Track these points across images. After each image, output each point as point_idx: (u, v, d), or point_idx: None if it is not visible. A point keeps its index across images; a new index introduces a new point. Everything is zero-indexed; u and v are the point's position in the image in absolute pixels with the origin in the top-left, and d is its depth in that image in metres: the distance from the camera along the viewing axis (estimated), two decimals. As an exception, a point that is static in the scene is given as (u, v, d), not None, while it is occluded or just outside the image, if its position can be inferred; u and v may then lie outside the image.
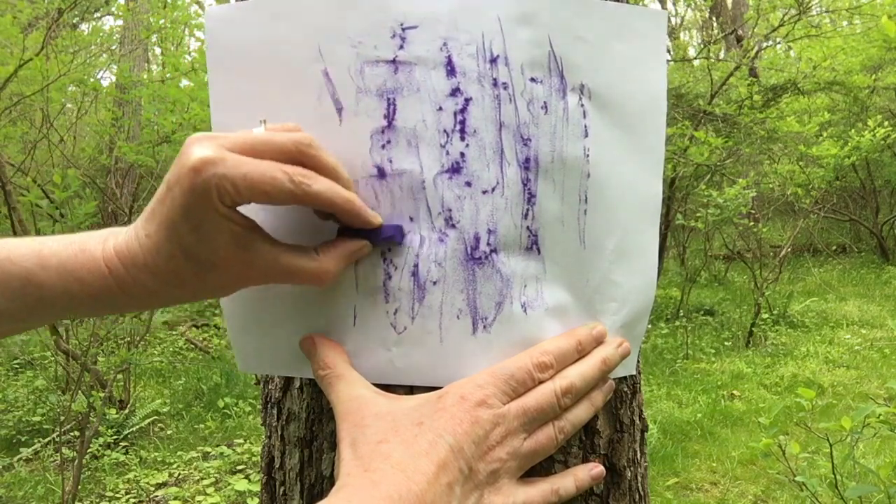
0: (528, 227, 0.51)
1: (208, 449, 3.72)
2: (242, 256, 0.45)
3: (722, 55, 8.93)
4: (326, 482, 0.53)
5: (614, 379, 0.54)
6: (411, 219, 0.50)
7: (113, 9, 8.61)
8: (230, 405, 4.24)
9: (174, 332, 6.16)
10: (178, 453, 3.69)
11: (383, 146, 0.50)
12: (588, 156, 0.52)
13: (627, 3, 0.55)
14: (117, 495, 3.22)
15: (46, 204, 4.71)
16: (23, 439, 3.82)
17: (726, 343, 5.65)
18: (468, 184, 0.50)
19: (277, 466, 0.58)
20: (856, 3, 7.62)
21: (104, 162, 5.75)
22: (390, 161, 0.50)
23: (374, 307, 0.51)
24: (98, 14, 9.13)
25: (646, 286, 0.55)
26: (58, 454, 3.46)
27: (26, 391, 4.49)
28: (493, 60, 0.50)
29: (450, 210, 0.50)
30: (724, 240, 8.20)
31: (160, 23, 6.28)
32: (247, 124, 0.53)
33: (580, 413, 0.50)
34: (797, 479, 2.07)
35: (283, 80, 0.52)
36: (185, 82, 5.40)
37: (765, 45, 7.53)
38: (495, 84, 0.50)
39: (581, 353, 0.51)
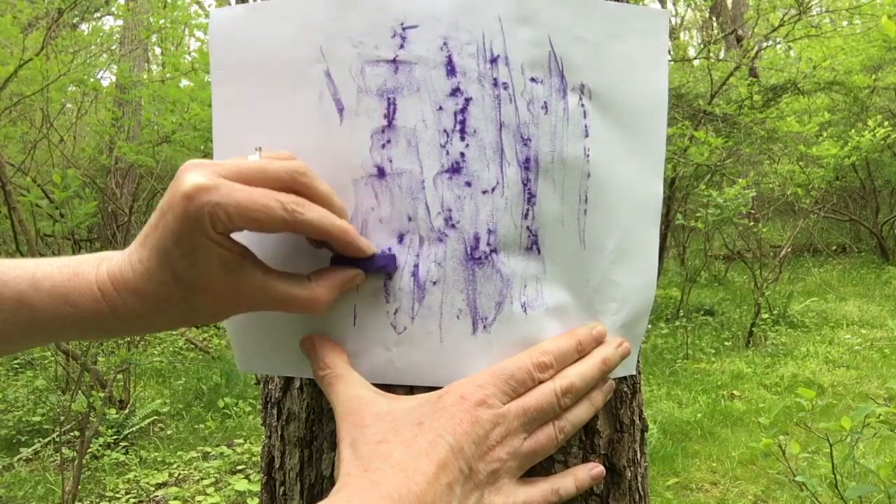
0: (528, 227, 0.51)
1: (208, 449, 3.72)
2: (234, 283, 0.46)
3: (722, 55, 8.93)
4: (326, 482, 0.53)
5: (615, 379, 0.54)
6: (410, 218, 0.50)
7: (113, 9, 8.61)
8: (230, 405, 4.24)
9: (174, 333, 6.15)
10: (178, 453, 3.69)
11: (383, 146, 0.50)
12: (588, 156, 0.52)
13: (628, 3, 0.55)
14: (117, 495, 3.22)
15: (46, 204, 4.71)
16: (23, 439, 3.82)
17: (726, 343, 5.65)
18: (468, 184, 0.50)
19: (277, 466, 0.58)
20: (856, 3, 7.62)
21: (104, 162, 5.76)
22: (390, 161, 0.50)
23: (374, 307, 0.51)
24: (98, 14, 9.13)
25: (646, 286, 0.55)
26: (58, 454, 3.46)
27: (26, 391, 4.49)
28: (494, 60, 0.50)
29: (449, 210, 0.50)
30: (724, 240, 8.20)
31: (160, 23, 6.28)
32: (248, 125, 0.53)
33: (580, 413, 0.50)
34: (797, 479, 2.07)
35: (285, 80, 0.52)
36: (185, 82, 5.40)
37: (765, 45, 7.53)
38: (495, 84, 0.50)
39: (581, 353, 0.51)
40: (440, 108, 0.50)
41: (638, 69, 0.54)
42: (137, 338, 4.55)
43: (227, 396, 4.35)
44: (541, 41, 0.50)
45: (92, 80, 5.87)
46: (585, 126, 0.52)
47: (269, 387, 0.60)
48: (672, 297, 7.05)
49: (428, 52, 0.50)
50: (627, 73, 0.53)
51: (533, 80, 0.50)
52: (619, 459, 0.54)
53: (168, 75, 5.67)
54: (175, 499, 3.15)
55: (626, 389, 0.56)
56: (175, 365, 5.26)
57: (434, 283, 0.50)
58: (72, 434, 3.79)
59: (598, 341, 0.52)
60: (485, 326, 0.50)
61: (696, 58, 8.57)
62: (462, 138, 0.50)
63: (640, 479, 0.57)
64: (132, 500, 3.18)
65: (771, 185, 7.26)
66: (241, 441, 3.81)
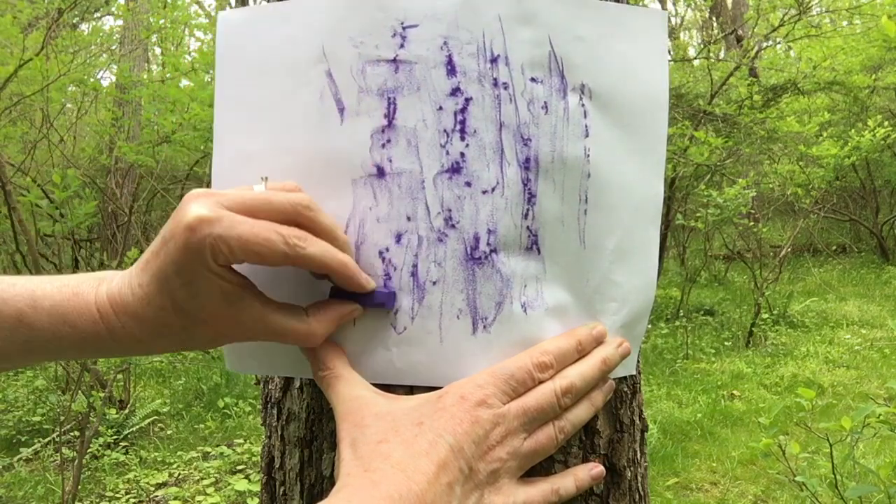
0: (528, 227, 0.51)
1: (208, 449, 3.72)
2: (232, 314, 0.46)
3: (722, 55, 8.93)
4: (326, 482, 0.53)
5: (615, 379, 0.54)
6: (409, 218, 0.50)
7: (113, 9, 8.61)
8: (230, 405, 4.24)
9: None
10: (178, 453, 3.69)
11: (383, 145, 0.50)
12: (588, 156, 0.52)
13: (628, 3, 0.55)
14: (117, 495, 3.22)
15: (46, 204, 4.71)
16: (23, 439, 3.82)
17: (726, 343, 5.65)
18: (468, 184, 0.50)
19: (277, 466, 0.58)
20: (856, 3, 7.63)
21: (104, 162, 5.75)
22: (390, 160, 0.50)
23: (374, 308, 0.50)
24: (98, 14, 9.13)
25: (646, 286, 0.55)
26: (58, 454, 3.46)
27: (26, 391, 4.49)
28: (494, 60, 0.50)
29: (449, 210, 0.50)
30: (724, 240, 8.20)
31: (160, 23, 6.28)
32: (249, 125, 0.53)
33: (580, 413, 0.50)
34: (797, 479, 2.07)
35: (286, 80, 0.52)
36: (185, 82, 5.41)
37: (765, 45, 7.53)
38: (496, 84, 0.50)
39: (581, 353, 0.51)
40: (440, 108, 0.50)
41: (638, 69, 0.54)
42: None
43: (227, 396, 4.35)
44: (541, 41, 0.51)
45: (92, 80, 5.87)
46: (586, 126, 0.52)
47: (269, 387, 0.60)
48: (672, 297, 7.05)
49: (428, 52, 0.50)
50: (628, 73, 0.53)
51: (533, 79, 0.50)
52: (619, 459, 0.54)
53: (168, 75, 5.67)
54: (175, 499, 3.15)
55: (626, 389, 0.56)
56: (175, 365, 5.26)
57: (434, 283, 0.50)
58: (72, 434, 3.79)
59: (598, 341, 0.52)
60: (485, 326, 0.50)
61: (696, 58, 8.57)
62: (462, 138, 0.50)
63: (640, 479, 0.57)
64: (132, 500, 3.18)
65: (771, 185, 7.27)
66: (241, 441, 3.81)
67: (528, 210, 0.50)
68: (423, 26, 0.50)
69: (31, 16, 5.37)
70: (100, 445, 3.69)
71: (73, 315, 0.46)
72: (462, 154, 0.50)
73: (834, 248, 9.85)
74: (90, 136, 7.20)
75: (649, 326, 5.84)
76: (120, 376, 4.06)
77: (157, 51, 9.07)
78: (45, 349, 0.47)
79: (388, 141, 0.50)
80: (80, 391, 3.36)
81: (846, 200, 9.98)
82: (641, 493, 0.57)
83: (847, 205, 9.97)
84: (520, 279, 0.51)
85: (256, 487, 3.17)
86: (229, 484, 3.26)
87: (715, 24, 10.38)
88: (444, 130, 0.50)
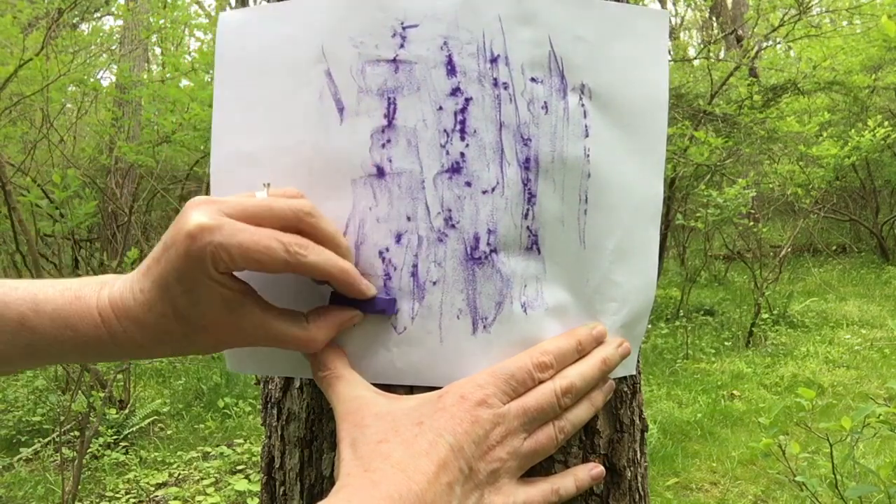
0: (528, 227, 0.51)
1: (208, 449, 3.72)
2: (233, 321, 0.46)
3: (722, 55, 8.93)
4: (326, 482, 0.53)
5: (615, 379, 0.54)
6: (409, 218, 0.50)
7: (113, 9, 8.61)
8: (230, 405, 4.23)
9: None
10: (178, 453, 3.69)
11: (383, 145, 0.50)
12: (588, 156, 0.52)
13: (628, 3, 0.55)
14: (117, 495, 3.22)
15: (46, 204, 4.71)
16: (23, 439, 3.82)
17: (726, 343, 5.65)
18: (468, 184, 0.50)
19: (277, 466, 0.58)
20: (856, 3, 7.63)
21: (104, 162, 5.76)
22: (390, 160, 0.50)
23: (374, 307, 0.50)
24: (98, 14, 9.13)
25: (646, 286, 0.55)
26: (58, 454, 3.46)
27: (26, 391, 4.49)
28: (494, 60, 0.50)
29: (449, 210, 0.50)
30: (724, 240, 8.20)
31: (160, 23, 6.28)
32: (249, 125, 0.53)
33: (580, 413, 0.50)
34: (797, 479, 2.07)
35: (286, 80, 0.52)
36: (185, 82, 5.41)
37: (765, 45, 7.53)
38: (496, 84, 0.50)
39: (581, 353, 0.51)
40: (440, 108, 0.50)
41: (638, 69, 0.54)
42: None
43: (227, 396, 4.35)
44: (541, 41, 0.50)
45: (92, 80, 5.87)
46: (586, 126, 0.52)
47: (269, 387, 0.60)
48: (672, 297, 7.05)
49: (428, 52, 0.50)
50: (628, 73, 0.53)
51: (533, 79, 0.50)
52: (619, 459, 0.54)
53: (168, 75, 5.67)
54: (175, 499, 3.15)
55: (626, 389, 0.56)
56: (175, 365, 5.26)
57: (434, 283, 0.50)
58: (72, 434, 3.79)
59: (598, 341, 0.52)
60: (485, 326, 0.50)
61: (696, 58, 8.57)
62: (462, 138, 0.50)
63: (640, 479, 0.57)
64: (132, 500, 3.18)
65: (771, 185, 7.26)
66: (241, 441, 3.81)
67: (528, 210, 0.50)
68: (423, 26, 0.50)
69: (31, 16, 5.37)
70: (100, 445, 3.68)
71: (74, 319, 0.46)
72: (462, 154, 0.50)
73: (834, 248, 9.85)
74: (90, 136, 7.20)
75: (649, 326, 5.84)
76: (120, 376, 4.06)
77: (157, 51, 9.07)
78: (46, 352, 0.47)
79: (388, 141, 0.50)
80: (80, 391, 3.36)
81: (846, 200, 9.98)
82: (641, 493, 0.57)
83: (847, 205, 9.97)
84: (520, 279, 0.51)
85: (256, 487, 3.17)
86: (229, 484, 3.26)
87: (715, 24, 10.38)
88: (444, 130, 0.50)
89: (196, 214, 0.43)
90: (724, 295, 7.48)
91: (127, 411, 4.02)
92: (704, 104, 6.22)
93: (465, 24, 0.49)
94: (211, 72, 5.16)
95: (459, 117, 0.50)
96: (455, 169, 0.50)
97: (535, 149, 0.50)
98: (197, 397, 4.50)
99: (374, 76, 0.50)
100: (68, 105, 6.70)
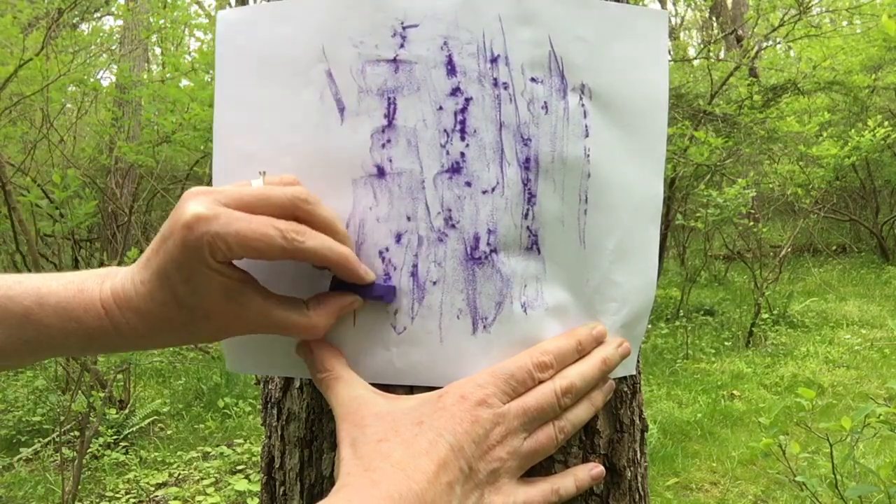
0: (528, 227, 0.51)
1: (208, 449, 3.72)
2: (233, 309, 0.46)
3: (722, 55, 8.93)
4: (326, 482, 0.53)
5: (615, 379, 0.54)
6: (409, 218, 0.50)
7: (113, 9, 8.61)
8: (230, 405, 4.23)
9: (174, 332, 6.14)
10: (178, 453, 3.69)
11: (383, 145, 0.50)
12: (588, 156, 0.52)
13: (628, 3, 0.55)
14: (117, 495, 3.22)
15: (46, 204, 4.71)
16: (23, 439, 3.82)
17: (726, 343, 5.65)
18: (468, 184, 0.50)
19: (277, 466, 0.58)
20: (856, 3, 7.62)
21: (104, 162, 5.75)
22: (390, 160, 0.50)
23: (374, 307, 0.51)
24: (98, 14, 9.13)
25: (646, 286, 0.55)
26: (58, 454, 3.46)
27: (26, 391, 4.49)
28: (494, 60, 0.50)
29: (449, 210, 0.50)
30: (724, 240, 8.20)
31: (160, 23, 6.28)
32: (249, 125, 0.53)
33: (580, 413, 0.50)
34: (797, 479, 2.07)
35: (286, 80, 0.52)
36: (185, 82, 5.40)
37: (765, 45, 7.53)
38: (496, 84, 0.50)
39: (581, 353, 0.51)
40: (440, 108, 0.50)
41: (638, 69, 0.54)
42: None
43: (227, 396, 4.35)
44: (541, 41, 0.51)
45: (92, 80, 5.87)
46: (586, 126, 0.52)
47: (269, 387, 0.60)
48: (672, 297, 7.05)
49: (428, 52, 0.50)
50: (628, 73, 0.53)
51: (533, 79, 0.50)
52: (619, 459, 0.54)
53: (168, 75, 5.67)
54: (175, 499, 3.15)
55: (626, 389, 0.56)
56: (175, 365, 5.26)
57: (434, 283, 0.50)
58: (72, 434, 3.79)
59: (598, 341, 0.52)
60: (485, 326, 0.50)
61: (696, 58, 8.57)
62: (462, 138, 0.50)
63: (640, 479, 0.57)
64: (132, 500, 3.18)
65: (771, 185, 7.26)
66: (241, 441, 3.81)
67: (528, 210, 0.50)
68: (423, 26, 0.50)
69: (31, 16, 5.37)
70: (100, 445, 3.68)
71: (78, 311, 0.46)
72: (462, 154, 0.50)
73: (834, 248, 9.85)
74: (90, 136, 7.19)
75: (649, 326, 5.84)
76: (120, 376, 4.06)
77: (157, 51, 9.07)
78: (50, 345, 0.47)
79: (388, 141, 0.50)
80: (80, 391, 3.36)
81: (846, 200, 9.98)
82: (641, 493, 0.57)
83: (847, 205, 9.97)
84: (520, 279, 0.51)
85: (256, 487, 3.17)
86: (229, 484, 3.26)
87: (715, 24, 10.38)
88: (445, 130, 0.50)
89: (193, 205, 0.43)
90: (724, 295, 7.48)
91: (127, 411, 4.02)
92: (704, 104, 6.22)
93: (465, 23, 0.49)
94: (211, 72, 5.16)
95: (459, 117, 0.50)
96: (455, 169, 0.50)
97: (535, 149, 0.50)
98: (197, 397, 4.50)
99: (375, 76, 0.50)
100: (68, 105, 6.70)
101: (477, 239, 0.50)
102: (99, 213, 5.90)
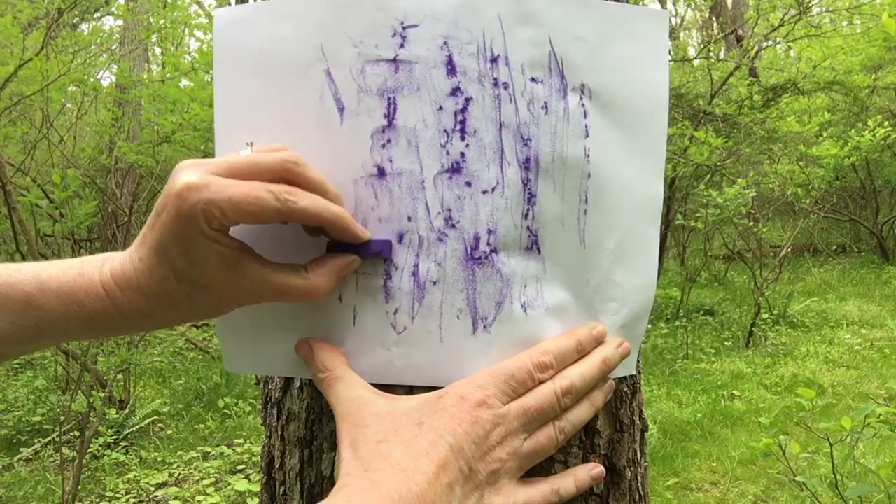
0: (528, 227, 0.51)
1: (208, 449, 3.72)
2: (233, 277, 0.46)
3: (722, 55, 8.93)
4: (326, 482, 0.53)
5: (615, 379, 0.54)
6: (410, 218, 0.50)
7: (113, 9, 8.61)
8: (230, 405, 4.23)
9: (174, 332, 6.16)
10: (178, 453, 3.69)
11: (383, 145, 0.50)
12: (589, 156, 0.52)
13: (628, 3, 0.55)
14: (117, 495, 3.22)
15: (46, 204, 4.71)
16: (23, 439, 3.82)
17: (726, 343, 5.65)
18: (468, 184, 0.50)
19: (277, 466, 0.58)
20: (856, 3, 7.62)
21: (104, 162, 5.75)
22: (390, 160, 0.50)
23: (374, 307, 0.50)
24: (98, 14, 9.13)
25: (646, 286, 0.55)
26: (58, 454, 3.46)
27: (26, 391, 4.49)
28: (494, 60, 0.50)
29: (449, 210, 0.50)
30: (724, 240, 8.19)
31: (160, 23, 6.28)
32: (250, 125, 0.53)
33: (580, 413, 0.50)
34: (797, 479, 2.07)
35: (286, 80, 0.52)
36: (185, 82, 5.40)
37: (765, 45, 7.53)
38: (496, 84, 0.50)
39: (581, 353, 0.51)
40: (440, 108, 0.50)
41: (638, 69, 0.54)
42: (137, 338, 4.55)
43: (227, 396, 4.35)
44: (541, 41, 0.50)
45: (92, 80, 5.87)
46: (586, 126, 0.52)
47: (269, 387, 0.60)
48: (672, 297, 7.05)
49: (428, 52, 0.50)
50: (628, 73, 0.53)
51: (533, 79, 0.50)
52: (619, 459, 0.54)
53: (168, 75, 5.67)
54: (175, 499, 3.15)
55: (626, 389, 0.56)
56: (175, 365, 5.26)
57: (434, 282, 0.50)
58: (72, 434, 3.79)
59: (598, 341, 0.52)
60: (485, 326, 0.50)
61: (696, 58, 8.57)
62: (462, 138, 0.50)
63: (640, 479, 0.57)
64: (132, 500, 3.18)
65: (771, 185, 7.26)
66: (241, 441, 3.81)
67: (528, 210, 0.50)
68: (423, 26, 0.50)
69: (31, 16, 5.37)
70: (100, 445, 3.68)
71: (80, 294, 0.46)
72: (462, 154, 0.50)
73: (834, 248, 9.85)
74: (90, 136, 7.19)
75: (649, 326, 5.84)
76: (120, 376, 4.06)
77: (157, 51, 9.07)
78: (52, 330, 0.47)
79: (389, 141, 0.50)
80: (80, 391, 3.36)
81: (846, 200, 9.97)
82: (641, 493, 0.57)
83: (847, 205, 9.97)
84: (520, 279, 0.51)
85: (256, 487, 3.17)
86: (229, 484, 3.26)
87: (715, 24, 10.38)
88: (445, 130, 0.50)
89: (184, 175, 0.43)
90: (724, 295, 7.48)
91: (127, 411, 4.02)
92: (704, 104, 6.22)
93: (465, 24, 0.49)
94: (211, 72, 5.16)
95: (459, 117, 0.50)
96: (455, 169, 0.50)
97: (535, 149, 0.50)
98: (197, 397, 4.50)
99: (374, 76, 0.50)
100: (68, 105, 6.70)
101: (477, 239, 0.50)
102: (99, 213, 5.91)
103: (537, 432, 0.47)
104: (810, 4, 6.37)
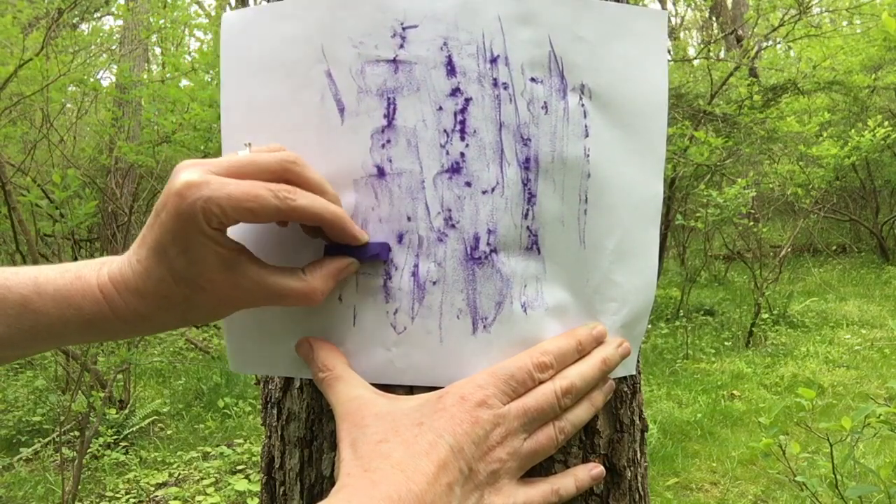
0: (528, 227, 0.51)
1: (208, 449, 3.72)
2: (230, 279, 0.46)
3: (722, 55, 8.93)
4: (326, 482, 0.53)
5: (615, 379, 0.54)
6: (410, 218, 0.50)
7: (113, 9, 8.61)
8: (230, 405, 4.23)
9: (174, 332, 6.16)
10: (178, 453, 3.69)
11: (383, 146, 0.50)
12: (588, 156, 0.52)
13: (627, 3, 0.55)
14: (117, 495, 3.22)
15: (46, 204, 4.71)
16: (23, 439, 3.82)
17: (726, 343, 5.65)
18: (468, 184, 0.50)
19: (277, 466, 0.58)
20: (856, 3, 7.63)
21: (104, 162, 5.76)
22: (390, 161, 0.50)
23: (374, 307, 0.51)
24: (98, 14, 9.13)
25: (646, 286, 0.55)
26: (58, 454, 3.46)
27: (26, 391, 4.49)
28: (494, 60, 0.50)
29: (449, 210, 0.50)
30: (724, 240, 8.20)
31: (160, 23, 6.28)
32: (253, 125, 0.54)
33: (580, 413, 0.50)
34: (797, 479, 2.07)
35: (287, 80, 0.52)
36: (185, 82, 5.40)
37: (765, 45, 7.53)
38: (495, 84, 0.50)
39: (581, 353, 0.51)
40: (440, 108, 0.50)
41: (638, 69, 0.54)
42: (137, 338, 4.55)
43: (227, 396, 4.35)
44: (541, 41, 0.50)
45: (92, 80, 5.87)
46: (585, 126, 0.52)
47: (269, 387, 0.60)
48: (672, 297, 7.05)
49: (428, 52, 0.50)
50: (627, 73, 0.53)
51: (533, 80, 0.50)
52: (619, 459, 0.54)
53: (168, 75, 5.67)
54: (175, 499, 3.15)
55: (626, 389, 0.56)
56: (175, 365, 5.26)
57: (434, 283, 0.50)
58: (72, 434, 3.79)
59: (598, 341, 0.52)
60: (485, 326, 0.50)
61: (696, 58, 8.57)
62: (462, 138, 0.50)
63: (640, 479, 0.57)
64: (132, 500, 3.18)
65: (771, 185, 7.26)
66: (241, 441, 3.81)
67: (528, 210, 0.50)
68: (423, 27, 0.50)
69: (31, 16, 5.37)
70: (100, 445, 3.68)
71: (77, 298, 0.46)
72: (462, 154, 0.50)
73: (834, 248, 9.85)
74: (90, 136, 7.20)
75: (649, 326, 5.84)
76: (120, 376, 4.06)
77: (157, 51, 9.07)
78: (49, 333, 0.47)
79: (388, 141, 0.50)
80: (80, 391, 3.36)
81: (846, 200, 9.97)
82: (641, 493, 0.57)
83: (847, 205, 9.97)
84: (520, 279, 0.51)
85: (256, 487, 3.17)
86: (229, 484, 3.26)
87: (715, 24, 10.38)
88: (444, 130, 0.50)
89: (183, 174, 0.44)
90: (724, 295, 7.48)
91: (127, 411, 4.02)
92: (704, 104, 6.22)
93: (464, 24, 0.49)
94: (211, 72, 5.16)
95: (459, 117, 0.50)
96: (455, 169, 0.50)
97: (534, 149, 0.50)
98: (197, 397, 4.50)
99: (374, 76, 0.50)
100: (68, 105, 6.70)
101: (477, 239, 0.50)
102: (99, 213, 5.91)
103: (537, 432, 0.47)
104: (810, 4, 6.37)
